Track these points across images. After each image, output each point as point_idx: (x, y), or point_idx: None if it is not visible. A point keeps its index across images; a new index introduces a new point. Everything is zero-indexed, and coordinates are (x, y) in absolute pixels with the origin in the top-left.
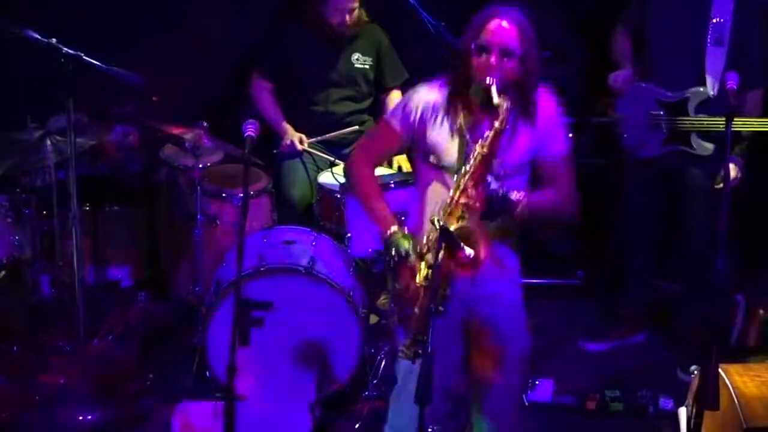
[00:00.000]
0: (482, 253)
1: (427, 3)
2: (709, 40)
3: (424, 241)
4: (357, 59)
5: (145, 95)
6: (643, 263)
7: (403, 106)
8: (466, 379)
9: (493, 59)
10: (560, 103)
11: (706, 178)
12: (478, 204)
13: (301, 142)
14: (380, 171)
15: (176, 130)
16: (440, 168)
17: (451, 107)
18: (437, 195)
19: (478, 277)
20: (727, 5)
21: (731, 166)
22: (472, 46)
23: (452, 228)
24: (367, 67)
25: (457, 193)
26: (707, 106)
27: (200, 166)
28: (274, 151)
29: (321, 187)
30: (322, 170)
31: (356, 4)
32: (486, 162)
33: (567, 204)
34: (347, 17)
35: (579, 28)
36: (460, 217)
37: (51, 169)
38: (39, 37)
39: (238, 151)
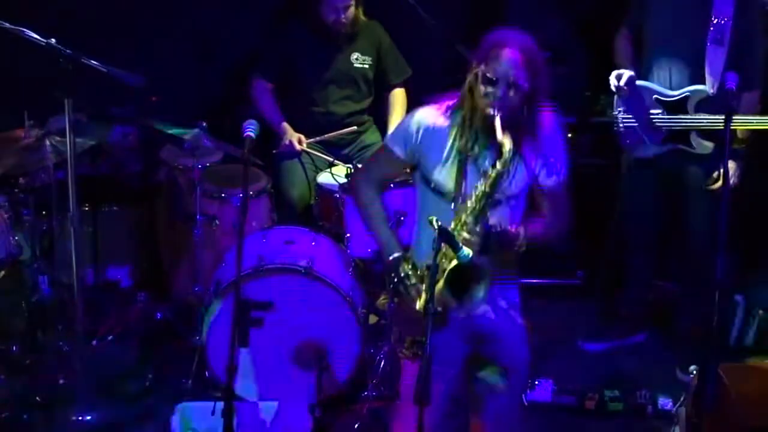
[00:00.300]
0: (481, 288)
1: (429, 1)
2: (709, 40)
3: (425, 267)
4: (356, 59)
5: (144, 95)
6: (643, 263)
7: (404, 129)
8: (467, 384)
9: (499, 91)
10: (563, 125)
11: (706, 177)
12: (477, 239)
13: (300, 142)
14: None
15: (175, 131)
16: (438, 192)
17: (451, 133)
18: (434, 212)
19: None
20: (728, 6)
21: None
22: (480, 74)
23: (451, 265)
24: (366, 66)
25: (458, 227)
26: (707, 105)
27: (200, 166)
28: (274, 152)
29: (320, 188)
30: (321, 170)
31: (351, 2)
32: (487, 199)
33: (561, 228)
34: (342, 15)
35: (579, 27)
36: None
37: (50, 170)
38: (38, 37)
39: (237, 152)
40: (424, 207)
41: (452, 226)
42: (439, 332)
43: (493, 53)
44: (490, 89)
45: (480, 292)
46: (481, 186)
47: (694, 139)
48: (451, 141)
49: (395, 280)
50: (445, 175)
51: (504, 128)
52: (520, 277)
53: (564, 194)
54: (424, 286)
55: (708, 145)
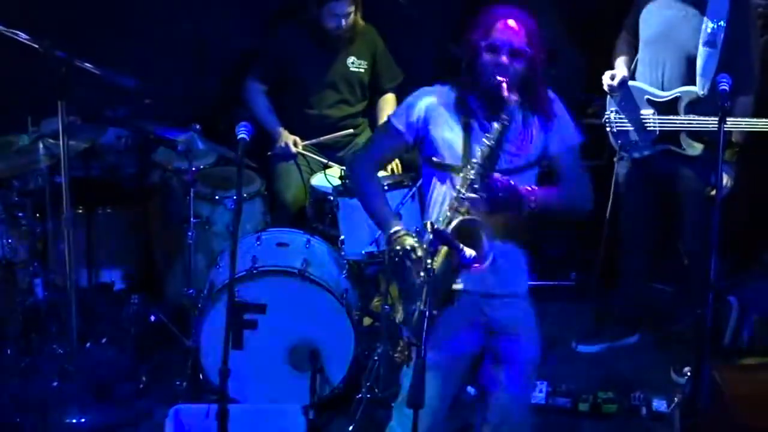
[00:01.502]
0: (486, 248)
1: (420, 2)
2: (702, 41)
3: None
4: (353, 63)
5: (138, 98)
6: (636, 264)
7: (407, 107)
8: (476, 385)
9: (503, 58)
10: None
11: (698, 179)
12: (484, 196)
13: (295, 144)
14: None
15: (169, 133)
16: (446, 167)
17: (458, 106)
18: (443, 195)
19: (488, 281)
20: (722, 8)
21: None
22: (482, 45)
23: (455, 222)
24: (362, 71)
25: (464, 188)
26: (697, 107)
27: (193, 168)
28: (268, 153)
29: (314, 190)
30: (316, 173)
31: (351, 9)
32: (492, 155)
33: (579, 196)
34: (343, 22)
35: (571, 29)
36: (466, 212)
37: (44, 172)
38: (32, 39)
39: (231, 154)
40: (431, 186)
41: (458, 186)
42: (454, 323)
43: (492, 25)
44: (492, 57)
45: (484, 248)
46: (486, 140)
47: (684, 140)
48: (454, 113)
49: (399, 252)
50: (453, 149)
51: (509, 92)
52: (531, 251)
53: (578, 163)
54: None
55: (697, 147)
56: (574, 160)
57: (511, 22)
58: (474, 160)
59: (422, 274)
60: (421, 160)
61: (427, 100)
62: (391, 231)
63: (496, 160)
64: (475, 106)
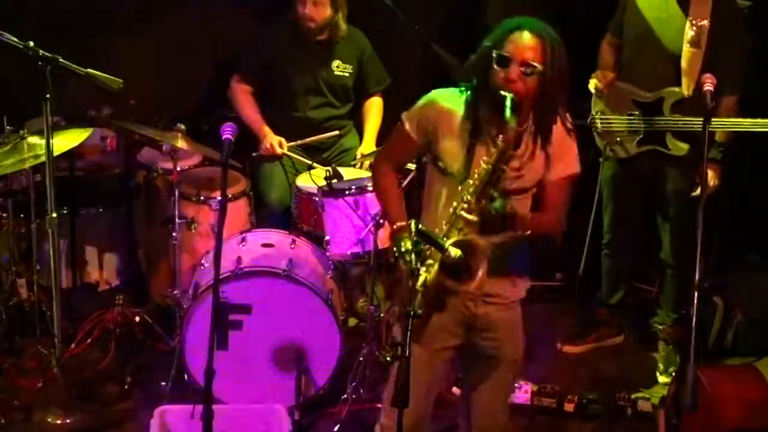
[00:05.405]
0: (480, 268)
1: (405, 4)
2: (686, 41)
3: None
4: (337, 67)
5: (122, 98)
6: (622, 264)
7: (419, 109)
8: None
9: (513, 72)
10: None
11: (683, 179)
12: (477, 219)
13: (280, 145)
14: (359, 173)
15: (154, 133)
16: (447, 174)
17: (465, 115)
18: (441, 199)
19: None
20: (706, 7)
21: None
22: (494, 56)
23: (451, 240)
24: (347, 75)
25: (460, 206)
26: (682, 107)
27: (178, 169)
28: (253, 154)
29: (299, 190)
30: (301, 173)
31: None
32: (489, 179)
33: (557, 226)
34: (306, 8)
35: (557, 29)
36: (460, 230)
37: (28, 172)
38: (16, 40)
39: (216, 154)
40: (432, 189)
41: (454, 204)
42: (437, 317)
43: (505, 35)
44: (503, 70)
45: (480, 267)
46: (484, 165)
47: (670, 141)
48: (462, 122)
49: (395, 253)
50: (454, 156)
51: (517, 111)
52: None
53: (568, 193)
54: (426, 264)
55: (683, 147)
56: (566, 190)
57: (526, 35)
58: (470, 182)
59: (411, 282)
60: (427, 159)
61: (439, 104)
62: (395, 226)
63: (494, 184)
64: (483, 118)
